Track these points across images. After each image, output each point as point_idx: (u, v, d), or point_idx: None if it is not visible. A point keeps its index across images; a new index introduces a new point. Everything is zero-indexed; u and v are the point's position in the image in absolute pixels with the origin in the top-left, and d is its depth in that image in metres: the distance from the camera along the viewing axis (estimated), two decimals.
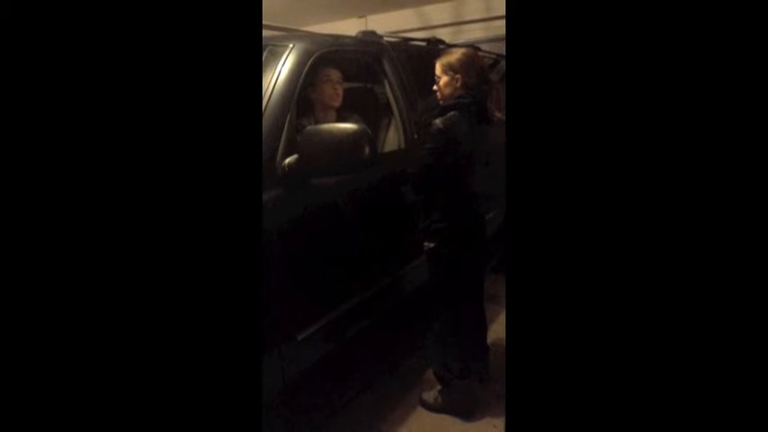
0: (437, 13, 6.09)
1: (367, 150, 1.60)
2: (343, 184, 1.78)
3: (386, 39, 2.49)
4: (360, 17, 6.53)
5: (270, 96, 1.66)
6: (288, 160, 1.61)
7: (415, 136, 2.32)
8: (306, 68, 1.85)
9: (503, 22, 4.50)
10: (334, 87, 2.20)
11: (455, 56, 2.01)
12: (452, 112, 1.93)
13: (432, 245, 2.01)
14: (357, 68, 2.23)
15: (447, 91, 2.01)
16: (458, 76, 1.98)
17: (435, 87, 2.05)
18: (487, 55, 3.20)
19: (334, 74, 2.19)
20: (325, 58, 1.98)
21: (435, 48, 2.85)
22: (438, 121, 1.92)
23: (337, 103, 2.25)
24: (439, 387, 2.16)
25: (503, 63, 3.31)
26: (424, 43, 2.88)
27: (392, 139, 2.42)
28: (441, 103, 2.03)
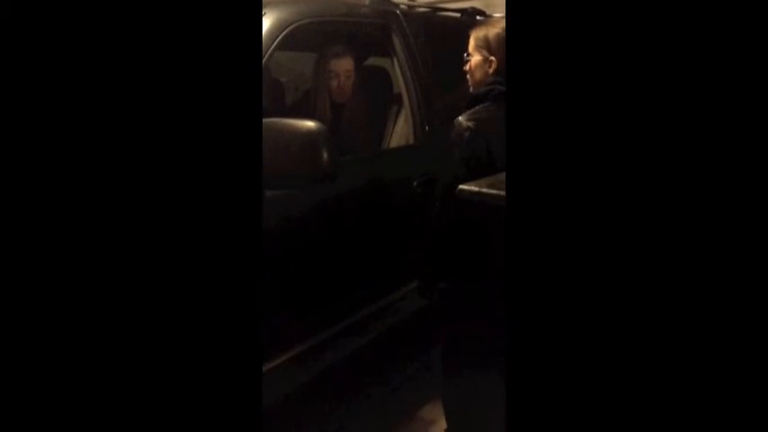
0: None
1: (325, 157, 1.21)
2: (301, 195, 1.39)
3: (402, 6, 2.04)
4: None
5: None
6: None
7: (427, 128, 1.89)
8: (276, 42, 1.47)
9: None
10: (339, 82, 1.88)
11: (494, 30, 1.53)
12: (483, 104, 1.47)
13: (446, 285, 1.55)
14: (355, 42, 1.82)
15: (477, 75, 1.55)
16: (492, 57, 1.51)
17: (466, 68, 1.59)
18: None
19: (343, 65, 1.87)
20: (308, 30, 1.59)
21: (472, 21, 2.36)
22: (462, 119, 1.44)
23: (342, 99, 1.92)
24: None
25: None
26: (458, 15, 2.39)
27: (401, 133, 2.00)
28: (470, 90, 1.56)
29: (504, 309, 1.21)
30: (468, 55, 1.57)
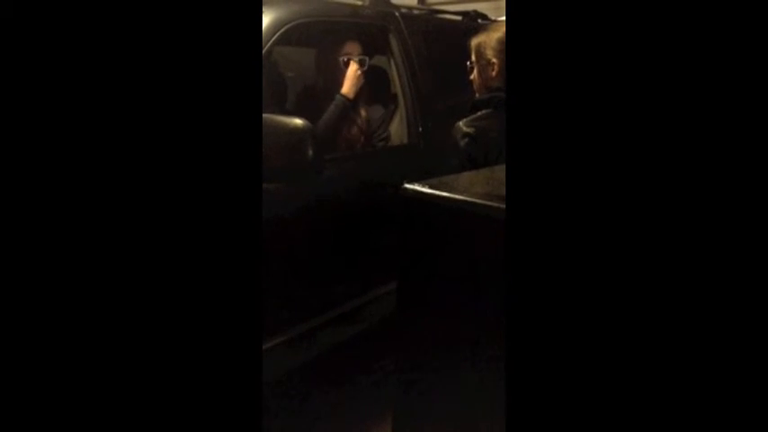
0: None
1: (311, 153, 1.26)
2: (287, 189, 1.44)
3: (403, 9, 2.07)
4: None
5: None
6: None
7: (420, 129, 1.92)
8: (272, 41, 1.52)
9: None
10: (355, 77, 1.85)
11: (495, 34, 1.53)
12: (483, 111, 1.47)
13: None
14: (351, 43, 1.86)
15: (480, 81, 1.55)
16: (495, 61, 1.51)
17: (471, 77, 1.60)
18: None
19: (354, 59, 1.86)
20: (304, 30, 1.63)
21: (473, 24, 2.39)
22: (462, 124, 1.44)
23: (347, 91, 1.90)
24: None
25: None
26: (458, 18, 2.42)
27: (395, 133, 2.04)
28: (476, 96, 1.57)
29: (505, 312, 1.24)
30: (471, 62, 1.58)
